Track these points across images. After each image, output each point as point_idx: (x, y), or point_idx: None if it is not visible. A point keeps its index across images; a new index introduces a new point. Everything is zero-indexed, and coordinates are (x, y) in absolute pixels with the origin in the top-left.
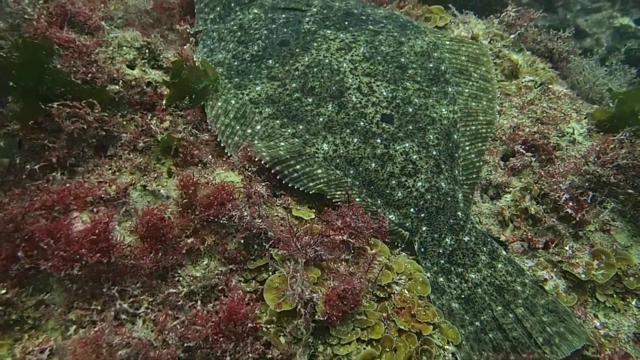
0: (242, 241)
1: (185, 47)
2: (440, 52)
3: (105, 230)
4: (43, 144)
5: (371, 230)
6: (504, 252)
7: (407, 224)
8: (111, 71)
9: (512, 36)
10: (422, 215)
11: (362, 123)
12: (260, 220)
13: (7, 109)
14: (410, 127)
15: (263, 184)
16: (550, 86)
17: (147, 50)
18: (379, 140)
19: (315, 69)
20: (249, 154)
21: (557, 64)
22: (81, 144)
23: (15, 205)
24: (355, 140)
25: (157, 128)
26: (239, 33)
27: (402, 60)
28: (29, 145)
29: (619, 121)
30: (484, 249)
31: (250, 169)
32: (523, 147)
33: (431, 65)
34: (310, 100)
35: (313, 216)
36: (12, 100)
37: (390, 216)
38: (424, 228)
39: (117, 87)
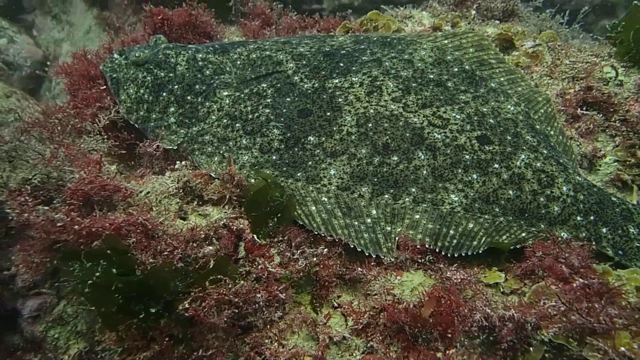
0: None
1: (229, 168)
2: (450, 53)
3: None
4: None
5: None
6: None
7: (583, 234)
8: (191, 233)
9: (473, 12)
10: (591, 217)
11: (467, 156)
12: (512, 311)
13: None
14: (509, 137)
15: (453, 268)
16: (553, 43)
17: (185, 192)
18: (497, 166)
19: (370, 125)
20: (410, 244)
21: (514, 21)
22: (231, 333)
23: None
24: (475, 176)
25: (274, 269)
26: (237, 124)
27: (432, 76)
28: None
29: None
30: None
31: (424, 260)
32: (583, 109)
33: (456, 69)
34: (395, 158)
35: (503, 276)
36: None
37: (562, 234)
38: (604, 230)
39: (212, 248)
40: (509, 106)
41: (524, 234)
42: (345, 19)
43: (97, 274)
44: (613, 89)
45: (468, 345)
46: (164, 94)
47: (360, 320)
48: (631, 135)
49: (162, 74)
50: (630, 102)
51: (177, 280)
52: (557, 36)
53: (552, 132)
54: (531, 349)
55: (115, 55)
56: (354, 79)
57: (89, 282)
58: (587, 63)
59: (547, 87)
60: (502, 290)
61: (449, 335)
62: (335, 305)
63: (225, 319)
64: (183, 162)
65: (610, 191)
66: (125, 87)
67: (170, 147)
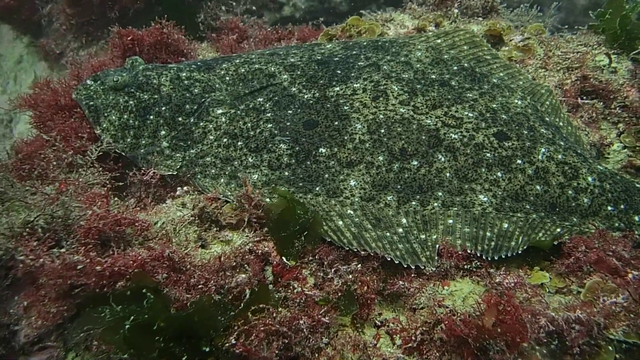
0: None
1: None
2: (445, 52)
3: None
4: None
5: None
6: None
7: (617, 224)
8: (219, 262)
9: (455, 11)
10: (622, 206)
11: (488, 154)
12: (578, 312)
13: None
14: (525, 131)
15: (502, 272)
16: (542, 36)
17: (201, 219)
18: (519, 162)
19: (382, 131)
20: (453, 251)
21: (494, 17)
22: None
23: None
24: (499, 174)
25: (311, 292)
26: (239, 142)
27: (434, 76)
28: None
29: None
30: None
31: (470, 266)
32: (583, 98)
33: (456, 68)
34: (415, 163)
35: (548, 275)
36: None
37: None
38: (637, 218)
39: (245, 276)
40: (516, 100)
41: (559, 229)
42: (319, 28)
43: (137, 314)
44: (608, 77)
45: (541, 353)
46: (151, 117)
47: (412, 338)
48: (634, 120)
49: (145, 96)
50: (627, 89)
51: (220, 315)
52: (544, 28)
53: (560, 124)
54: (603, 350)
55: (89, 82)
56: (355, 85)
57: (127, 325)
58: (578, 53)
59: (544, 79)
60: (547, 290)
61: (524, 345)
62: (378, 323)
63: (276, 352)
64: (185, 188)
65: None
66: (106, 114)
67: (169, 173)
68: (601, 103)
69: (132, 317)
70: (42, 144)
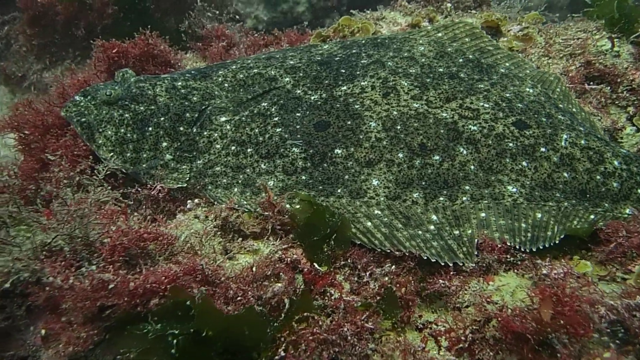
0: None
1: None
2: (448, 45)
3: None
4: None
5: None
6: None
7: None
8: (252, 273)
9: (448, 5)
10: None
11: (510, 144)
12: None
13: None
14: (544, 119)
15: (547, 263)
16: (539, 25)
17: (223, 230)
18: (543, 150)
19: (398, 127)
20: (494, 245)
21: (486, 9)
22: None
23: None
24: (525, 163)
25: (349, 298)
26: (249, 149)
27: (441, 70)
28: None
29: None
30: None
31: (514, 259)
32: (590, 83)
33: (461, 60)
34: (437, 157)
35: (589, 264)
36: None
37: (626, 211)
38: None
39: (281, 285)
40: (528, 89)
41: (592, 216)
42: (304, 32)
43: (181, 328)
44: (612, 61)
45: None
46: (150, 128)
47: (462, 338)
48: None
49: (141, 108)
50: (632, 72)
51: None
52: (541, 17)
53: (573, 110)
54: None
55: (78, 98)
56: (362, 83)
57: (173, 339)
58: (579, 39)
59: (549, 67)
60: (590, 279)
61: (594, 335)
62: (420, 326)
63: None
64: (196, 201)
65: None
66: (101, 130)
67: (178, 186)
68: (608, 87)
69: (177, 331)
70: (32, 167)
